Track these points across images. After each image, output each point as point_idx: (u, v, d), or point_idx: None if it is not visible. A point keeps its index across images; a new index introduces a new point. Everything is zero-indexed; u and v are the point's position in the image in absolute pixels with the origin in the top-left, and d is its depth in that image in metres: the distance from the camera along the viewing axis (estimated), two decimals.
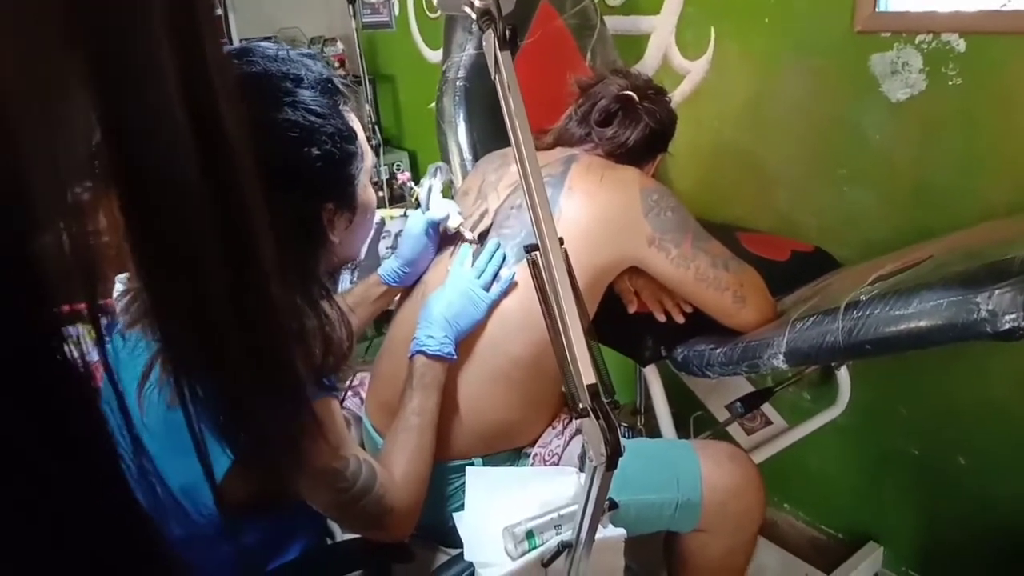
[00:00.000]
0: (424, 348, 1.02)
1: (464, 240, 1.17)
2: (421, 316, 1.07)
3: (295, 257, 0.81)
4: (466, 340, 1.08)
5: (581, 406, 0.62)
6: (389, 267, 1.22)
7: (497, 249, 1.12)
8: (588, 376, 0.62)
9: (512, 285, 1.09)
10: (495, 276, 1.09)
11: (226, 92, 0.30)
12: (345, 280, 1.68)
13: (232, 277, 0.31)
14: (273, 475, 0.36)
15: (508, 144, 0.74)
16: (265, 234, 0.33)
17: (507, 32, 0.70)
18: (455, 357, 1.04)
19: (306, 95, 0.79)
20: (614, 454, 0.60)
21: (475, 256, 1.13)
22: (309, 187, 0.81)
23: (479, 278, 1.08)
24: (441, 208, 1.18)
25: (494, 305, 1.08)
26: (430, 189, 1.20)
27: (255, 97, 0.77)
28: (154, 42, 0.27)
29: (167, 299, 0.31)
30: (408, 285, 1.23)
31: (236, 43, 2.29)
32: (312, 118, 0.79)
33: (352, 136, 0.85)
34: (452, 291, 1.07)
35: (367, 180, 0.91)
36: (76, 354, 0.25)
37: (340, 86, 0.84)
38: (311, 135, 0.79)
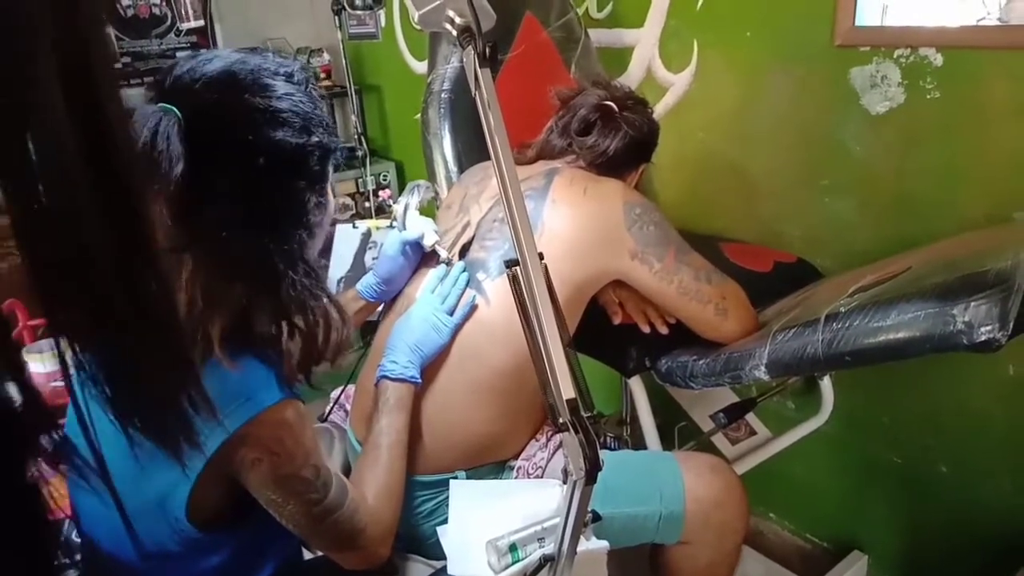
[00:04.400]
0: (387, 373, 1.04)
1: (440, 260, 1.17)
2: (387, 343, 1.08)
3: (295, 241, 0.85)
4: (448, 353, 1.09)
5: (561, 420, 0.62)
6: (367, 283, 1.23)
7: (461, 273, 1.13)
8: (568, 390, 0.62)
9: (472, 309, 1.11)
10: (459, 300, 1.11)
11: (112, 90, 0.31)
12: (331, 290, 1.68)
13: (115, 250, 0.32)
14: (166, 445, 0.36)
15: (491, 158, 0.74)
16: (148, 216, 0.34)
17: (487, 49, 0.70)
18: (419, 381, 1.05)
19: (296, 91, 0.84)
20: (593, 468, 0.60)
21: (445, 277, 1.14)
22: (306, 172, 0.85)
23: (443, 303, 1.09)
24: (416, 227, 1.19)
25: (458, 328, 1.09)
26: (406, 208, 1.21)
27: (256, 91, 0.80)
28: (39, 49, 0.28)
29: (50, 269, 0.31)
30: (387, 300, 1.24)
31: None
32: (306, 108, 0.84)
33: (335, 130, 0.89)
34: (416, 318, 1.08)
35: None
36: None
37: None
38: (310, 122, 0.84)
